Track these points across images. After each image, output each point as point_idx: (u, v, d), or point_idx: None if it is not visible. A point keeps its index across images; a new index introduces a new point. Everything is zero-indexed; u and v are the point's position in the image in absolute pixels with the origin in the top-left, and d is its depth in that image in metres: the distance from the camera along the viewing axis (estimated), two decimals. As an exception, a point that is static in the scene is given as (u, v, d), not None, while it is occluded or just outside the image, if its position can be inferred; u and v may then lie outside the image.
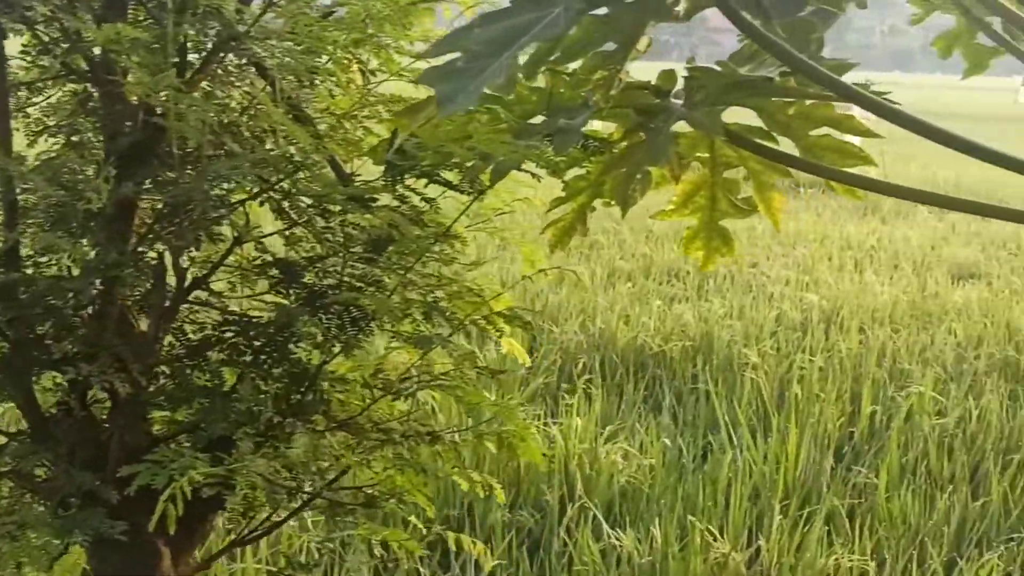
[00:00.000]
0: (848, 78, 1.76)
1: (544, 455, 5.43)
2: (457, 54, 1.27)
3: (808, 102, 1.95)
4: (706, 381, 6.79)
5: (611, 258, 10.08)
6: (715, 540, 4.72)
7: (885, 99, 1.92)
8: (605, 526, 4.84)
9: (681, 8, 1.58)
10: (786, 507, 5.20)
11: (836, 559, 4.67)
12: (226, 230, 2.10)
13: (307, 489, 1.99)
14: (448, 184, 1.99)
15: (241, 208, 2.11)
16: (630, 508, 5.17)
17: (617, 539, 4.74)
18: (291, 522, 2.45)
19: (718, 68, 1.82)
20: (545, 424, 5.83)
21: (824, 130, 2.01)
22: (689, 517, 4.87)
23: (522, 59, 1.67)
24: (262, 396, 1.82)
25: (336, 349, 1.92)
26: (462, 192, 2.00)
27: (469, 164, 1.95)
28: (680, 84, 1.90)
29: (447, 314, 2.03)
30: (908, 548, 4.93)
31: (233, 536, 2.11)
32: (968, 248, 11.65)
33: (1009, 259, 11.29)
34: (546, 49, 1.48)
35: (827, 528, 5.01)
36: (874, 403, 6.55)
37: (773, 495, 5.29)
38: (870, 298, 8.95)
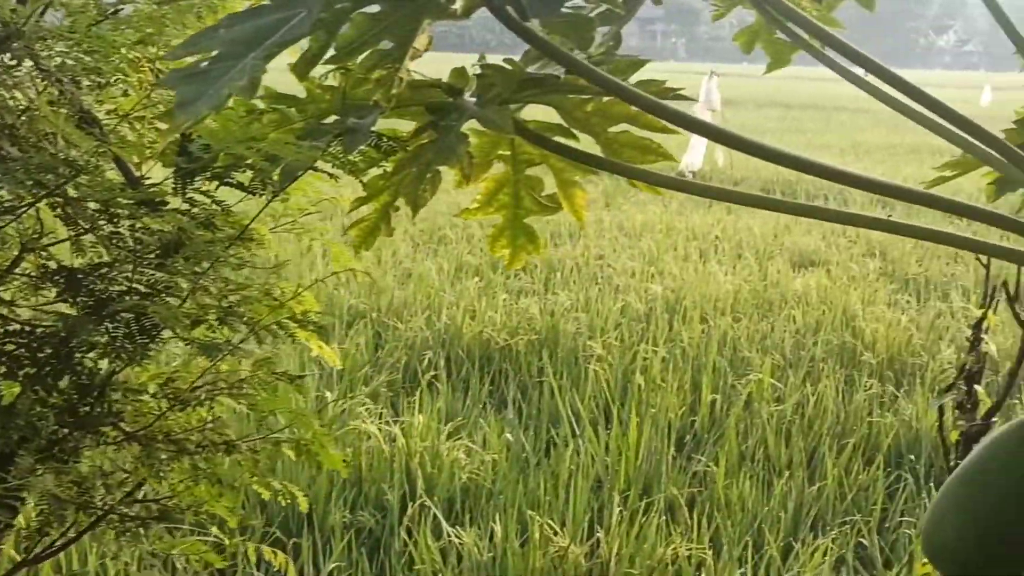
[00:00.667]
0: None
1: (384, 454, 5.40)
2: (214, 53, 1.22)
3: (605, 99, 1.94)
4: (551, 374, 6.81)
5: (459, 253, 10.06)
6: (555, 534, 4.73)
7: (678, 94, 1.92)
8: (445, 524, 4.81)
9: (458, 6, 1.55)
10: (626, 498, 5.24)
11: (674, 548, 4.71)
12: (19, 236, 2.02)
13: (98, 504, 1.92)
14: (240, 186, 1.94)
15: (31, 214, 2.02)
16: (472, 505, 5.15)
17: (457, 537, 4.72)
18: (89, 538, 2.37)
19: (508, 66, 1.80)
20: (387, 423, 5.78)
21: (623, 126, 2.00)
22: (529, 512, 4.87)
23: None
24: (44, 410, 1.74)
25: (125, 358, 1.85)
26: (254, 194, 1.95)
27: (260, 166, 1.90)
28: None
29: (245, 319, 1.98)
30: (745, 534, 5.00)
31: (23, 556, 2.03)
32: (809, 236, 11.90)
33: (848, 246, 11.57)
34: (318, 47, 1.44)
35: (666, 518, 5.05)
36: (714, 392, 6.64)
37: (614, 487, 5.33)
38: (713, 288, 9.07)
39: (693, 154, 16.95)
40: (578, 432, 5.97)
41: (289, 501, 2.24)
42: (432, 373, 6.82)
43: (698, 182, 1.97)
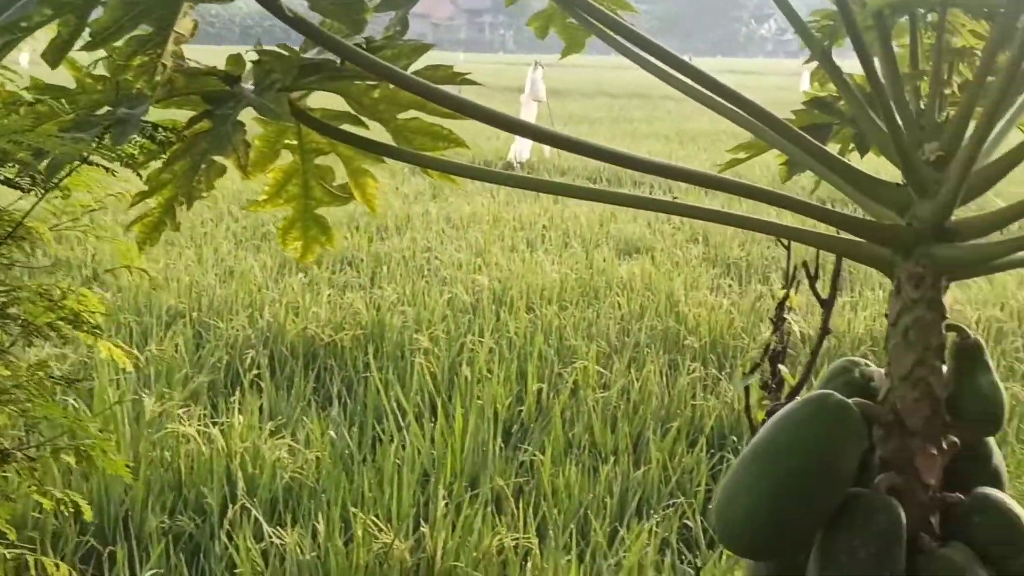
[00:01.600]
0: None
1: (204, 456, 5.27)
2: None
3: (392, 85, 1.89)
4: (377, 369, 6.74)
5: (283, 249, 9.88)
6: (380, 530, 4.67)
7: (466, 78, 1.88)
8: (266, 526, 4.71)
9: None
10: (452, 491, 5.21)
11: (500, 539, 4.69)
12: None
13: None
14: (8, 182, 1.84)
15: None
16: (295, 505, 5.06)
17: (279, 538, 4.62)
18: None
19: (285, 52, 1.74)
20: (206, 424, 5.64)
21: (412, 113, 1.96)
22: (352, 509, 4.80)
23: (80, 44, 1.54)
24: None
25: None
26: (22, 189, 1.85)
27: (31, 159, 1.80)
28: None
29: (19, 320, 1.88)
30: (571, 522, 5.02)
31: None
32: (634, 224, 12.04)
33: (672, 233, 11.73)
34: (68, 33, 1.36)
35: (492, 509, 5.04)
36: (541, 381, 6.65)
37: (440, 480, 5.29)
38: (540, 277, 9.11)
39: (521, 144, 17.01)
40: (403, 426, 5.92)
41: (72, 511, 2.14)
42: (255, 372, 6.68)
43: (500, 171, 1.94)
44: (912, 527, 1.66)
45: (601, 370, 6.94)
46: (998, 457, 1.79)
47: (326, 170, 2.11)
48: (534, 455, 5.67)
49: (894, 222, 1.69)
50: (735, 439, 6.15)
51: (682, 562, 4.85)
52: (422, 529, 4.69)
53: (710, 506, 5.46)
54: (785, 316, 2.94)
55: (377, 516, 4.82)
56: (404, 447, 5.59)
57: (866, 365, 1.80)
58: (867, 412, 1.68)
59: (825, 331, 2.84)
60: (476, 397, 6.27)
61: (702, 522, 5.15)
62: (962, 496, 1.70)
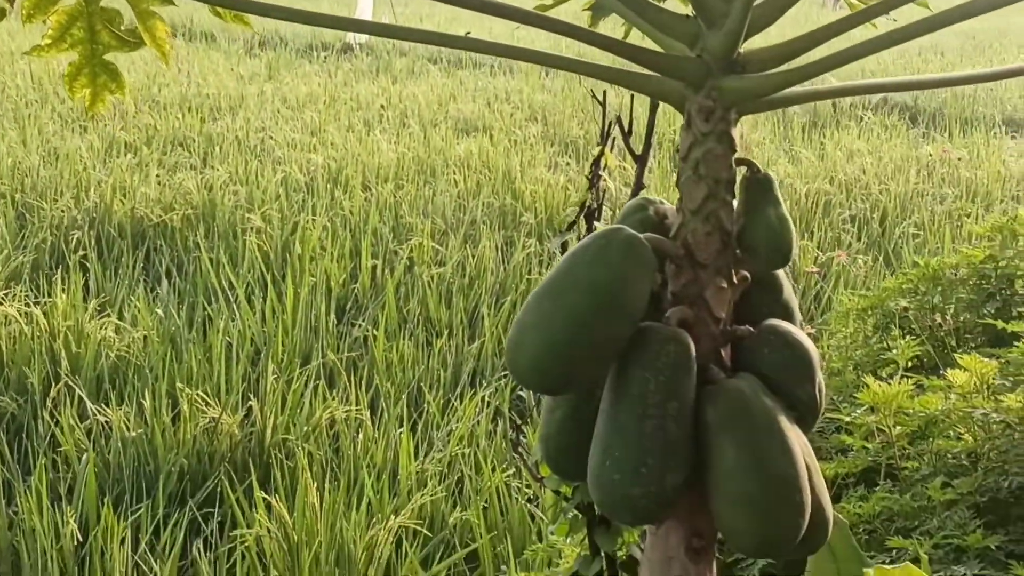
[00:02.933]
0: None
1: (26, 336, 5.13)
2: None
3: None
4: (208, 249, 6.62)
5: (112, 130, 9.59)
6: (208, 406, 4.61)
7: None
8: (90, 404, 4.61)
9: None
10: (285, 367, 5.17)
11: (331, 412, 4.67)
12: None
13: None
14: None
15: None
16: (121, 383, 4.96)
17: (103, 415, 4.53)
18: None
19: None
20: (27, 304, 5.48)
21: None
22: (180, 385, 4.73)
23: None
24: None
25: None
26: None
27: None
28: None
29: None
30: (403, 394, 5.02)
31: None
32: (473, 104, 11.97)
33: (511, 112, 11.70)
34: None
35: (324, 383, 5.01)
36: (375, 257, 6.61)
37: (271, 356, 5.23)
38: (376, 157, 9.00)
39: (361, 14, 16.70)
40: (235, 304, 5.83)
41: None
42: (81, 253, 6.50)
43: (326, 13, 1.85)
44: (703, 359, 1.67)
45: (437, 247, 6.92)
46: (789, 290, 1.81)
47: (112, 13, 2.01)
48: (368, 330, 5.65)
49: (685, 55, 1.67)
50: (569, 311, 6.19)
51: (513, 430, 4.90)
52: (250, 403, 4.64)
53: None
54: (600, 173, 2.94)
55: (206, 392, 4.76)
56: (235, 323, 5.51)
57: (660, 203, 1.80)
58: (658, 246, 1.68)
59: (639, 186, 2.85)
60: (309, 274, 6.20)
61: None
62: (752, 328, 1.72)
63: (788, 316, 1.80)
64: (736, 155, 1.72)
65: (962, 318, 3.70)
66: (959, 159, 9.14)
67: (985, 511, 2.54)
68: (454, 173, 8.64)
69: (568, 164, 9.44)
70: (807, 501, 1.63)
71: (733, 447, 1.61)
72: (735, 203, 1.71)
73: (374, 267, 6.47)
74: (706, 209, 1.68)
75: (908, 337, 3.69)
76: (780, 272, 1.80)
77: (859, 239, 7.53)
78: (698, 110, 1.68)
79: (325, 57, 15.51)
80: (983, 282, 3.70)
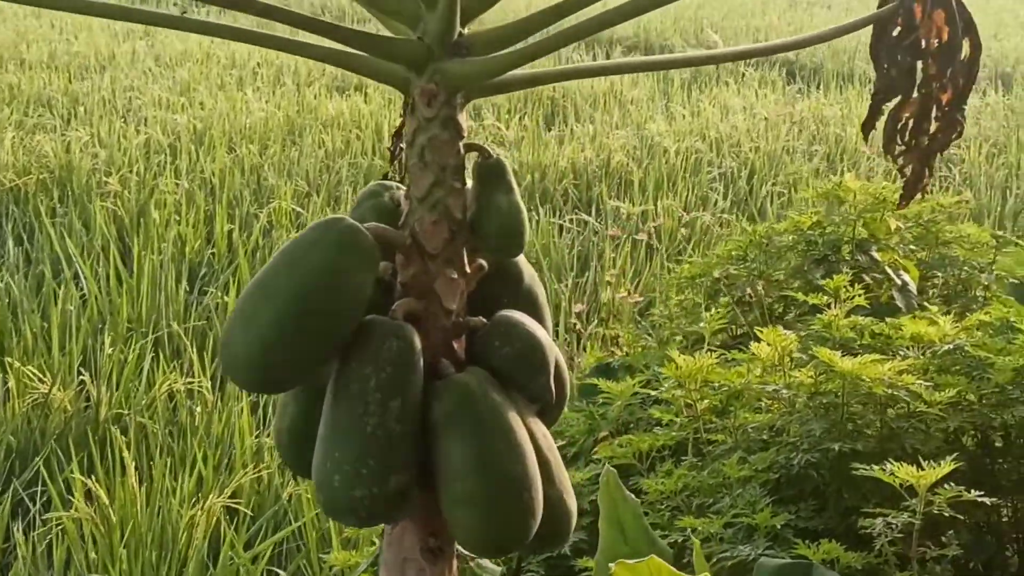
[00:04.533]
0: None
1: None
2: None
3: None
4: (63, 214, 6.43)
5: (-30, 90, 9.30)
6: (41, 381, 4.47)
7: None
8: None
9: None
10: (128, 339, 5.04)
11: (170, 384, 4.56)
12: None
13: None
14: None
15: None
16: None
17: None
18: None
19: None
20: None
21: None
22: (8, 359, 4.58)
23: None
24: None
25: None
26: None
27: None
28: None
29: None
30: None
31: None
32: (353, 61, 11.76)
33: (390, 70, 11.51)
34: None
35: (166, 354, 4.89)
36: (231, 222, 6.47)
37: (111, 327, 5.10)
38: (244, 116, 8.83)
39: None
40: (82, 273, 5.67)
41: None
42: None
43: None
44: (433, 352, 1.62)
45: (298, 209, 6.80)
46: (531, 278, 1.76)
47: None
48: (220, 298, 5.53)
49: (408, 37, 1.61)
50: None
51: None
52: (83, 377, 4.51)
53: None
54: (402, 145, 2.85)
55: (44, 367, 4.62)
56: (81, 292, 5.36)
57: (397, 188, 1.73)
58: (384, 236, 1.62)
59: (476, 149, 2.77)
60: (163, 240, 6.05)
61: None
62: (485, 320, 1.67)
63: (530, 305, 1.75)
64: (465, 140, 1.66)
65: (795, 284, 3.69)
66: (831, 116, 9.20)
67: (782, 488, 2.53)
68: (320, 133, 8.49)
69: (443, 123, 9.30)
70: (537, 499, 1.59)
71: (458, 445, 1.57)
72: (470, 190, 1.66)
73: (230, 232, 6.34)
74: (433, 197, 1.63)
75: (739, 305, 3.69)
76: (521, 260, 1.75)
77: (725, 198, 7.53)
78: (421, 94, 1.62)
79: (207, 12, 15.17)
80: (810, 248, 3.69)
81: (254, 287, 1.55)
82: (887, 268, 3.64)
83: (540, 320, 1.74)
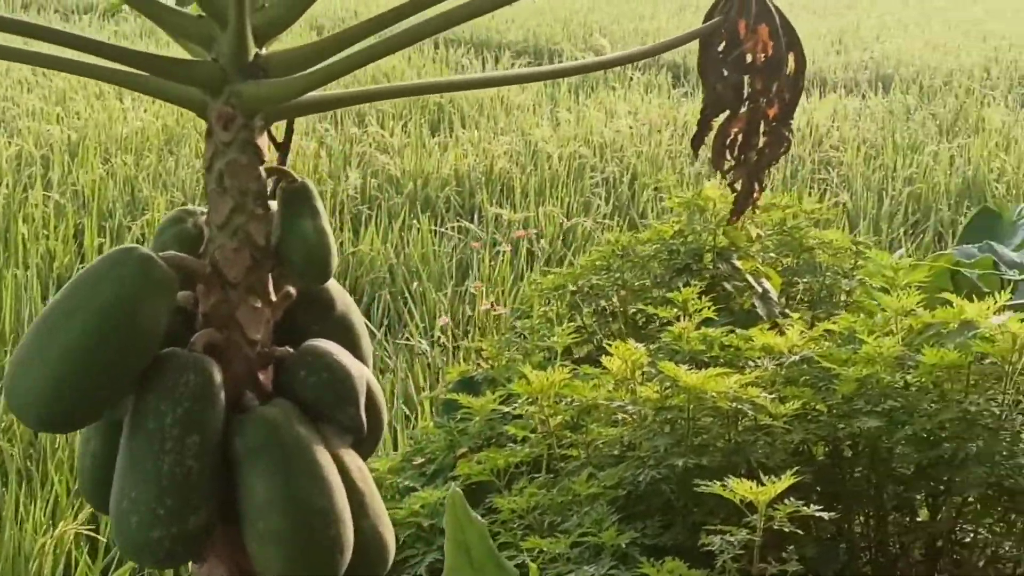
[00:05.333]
0: None
1: None
2: None
3: None
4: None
5: None
6: None
7: None
8: None
9: None
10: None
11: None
12: None
13: None
14: None
15: None
16: None
17: None
18: None
19: None
20: None
21: None
22: None
23: None
24: None
25: None
26: None
27: None
28: None
29: None
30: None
31: None
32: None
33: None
34: None
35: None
36: (102, 236, 6.33)
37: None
38: (121, 126, 8.65)
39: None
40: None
41: None
42: None
43: None
44: (236, 385, 1.56)
45: (174, 220, 6.65)
46: (345, 305, 1.72)
47: None
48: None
49: (204, 58, 1.55)
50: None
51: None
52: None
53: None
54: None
55: None
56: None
57: (201, 214, 1.67)
58: (183, 265, 1.56)
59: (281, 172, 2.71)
60: (29, 255, 5.89)
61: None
62: (292, 350, 1.62)
63: (344, 332, 1.71)
64: (267, 164, 1.61)
65: (657, 294, 3.67)
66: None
67: (631, 504, 2.51)
68: (199, 142, 8.34)
69: (327, 131, 9.22)
70: (345, 534, 1.55)
71: (261, 481, 1.52)
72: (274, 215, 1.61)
73: (101, 245, 6.19)
74: (233, 223, 1.57)
75: (604, 316, 3.67)
76: (332, 286, 1.70)
77: (608, 203, 7.54)
78: (217, 118, 1.56)
79: (90, 20, 14.92)
80: (672, 258, 3.69)
81: (42, 322, 1.49)
82: (748, 276, 3.65)
83: (354, 348, 1.70)
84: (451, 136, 9.12)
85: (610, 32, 15.32)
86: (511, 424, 2.86)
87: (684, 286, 3.65)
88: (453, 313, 5.44)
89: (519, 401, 2.85)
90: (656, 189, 7.82)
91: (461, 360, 4.77)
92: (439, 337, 5.17)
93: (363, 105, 9.76)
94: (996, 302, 2.57)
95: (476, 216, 7.21)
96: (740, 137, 2.05)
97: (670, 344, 2.80)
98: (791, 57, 2.03)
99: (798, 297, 4.05)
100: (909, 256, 6.47)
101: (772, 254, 3.86)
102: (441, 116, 9.86)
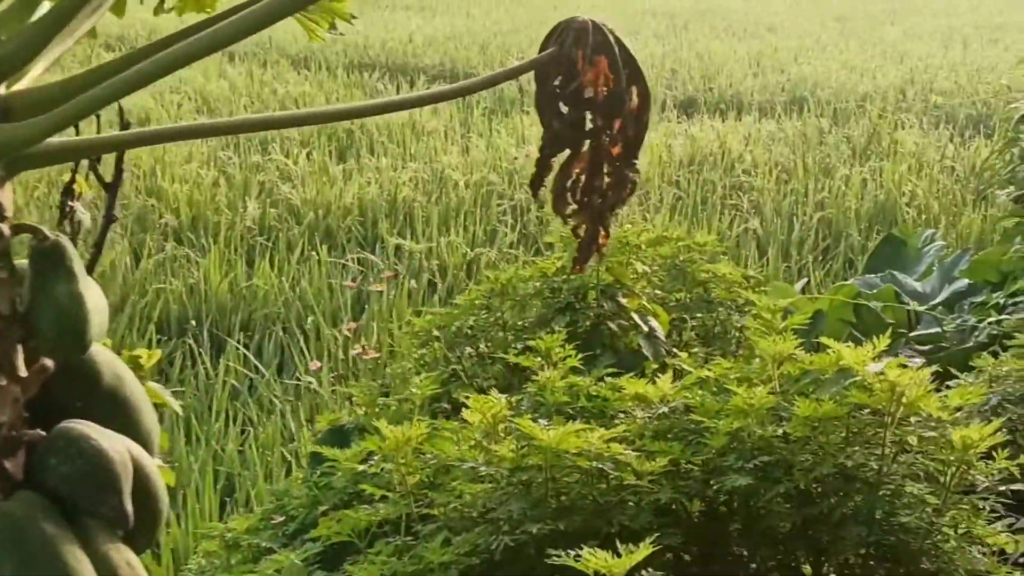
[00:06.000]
0: None
1: None
2: None
3: None
4: None
5: None
6: None
7: None
8: None
9: None
10: None
11: None
12: None
13: None
14: None
15: None
16: None
17: None
18: None
19: None
20: None
21: None
22: None
23: None
24: None
25: None
26: None
27: None
28: None
29: None
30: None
31: None
32: (140, 95, 11.35)
33: (180, 102, 11.12)
34: None
35: None
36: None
37: None
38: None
39: None
40: None
41: None
42: None
43: None
44: (-19, 475, 1.36)
45: None
46: (116, 376, 1.52)
47: None
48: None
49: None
50: (196, 323, 5.82)
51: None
52: None
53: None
54: (72, 203, 2.57)
55: None
56: None
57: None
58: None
59: (109, 219, 2.50)
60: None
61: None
62: (44, 433, 1.42)
63: (115, 408, 1.51)
64: (13, 220, 1.41)
65: (538, 335, 3.48)
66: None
67: (487, 574, 2.31)
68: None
69: (230, 159, 8.96)
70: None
71: (1, 585, 1.32)
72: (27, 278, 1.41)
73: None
74: (-23, 291, 1.37)
75: (484, 358, 3.48)
76: (99, 354, 1.50)
77: (514, 231, 7.37)
78: (-47, 168, 1.36)
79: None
80: (555, 296, 3.51)
81: None
82: (634, 315, 3.48)
83: (128, 425, 1.51)
84: (359, 163, 8.91)
85: (527, 55, 15.16)
86: (367, 482, 2.66)
87: (567, 325, 3.48)
88: (348, 350, 5.23)
89: (375, 458, 2.64)
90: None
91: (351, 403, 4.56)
92: (310, 384, 4.95)
93: (273, 132, 9.53)
94: (875, 347, 2.41)
95: (378, 247, 7.01)
96: (583, 179, 1.88)
97: (534, 395, 2.61)
98: (634, 91, 1.86)
99: (690, 334, 3.89)
100: (818, 284, 6.37)
101: (658, 291, 3.70)
102: (350, 142, 9.65)
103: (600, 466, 2.25)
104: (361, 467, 2.66)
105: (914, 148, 9.34)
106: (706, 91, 12.64)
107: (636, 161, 1.91)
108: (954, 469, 2.33)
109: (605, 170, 1.88)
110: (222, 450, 4.59)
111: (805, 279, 6.05)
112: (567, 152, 1.90)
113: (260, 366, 5.36)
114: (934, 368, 3.78)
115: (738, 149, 9.20)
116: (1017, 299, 4.41)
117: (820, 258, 7.07)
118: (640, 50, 15.79)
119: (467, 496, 2.49)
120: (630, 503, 2.31)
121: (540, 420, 2.40)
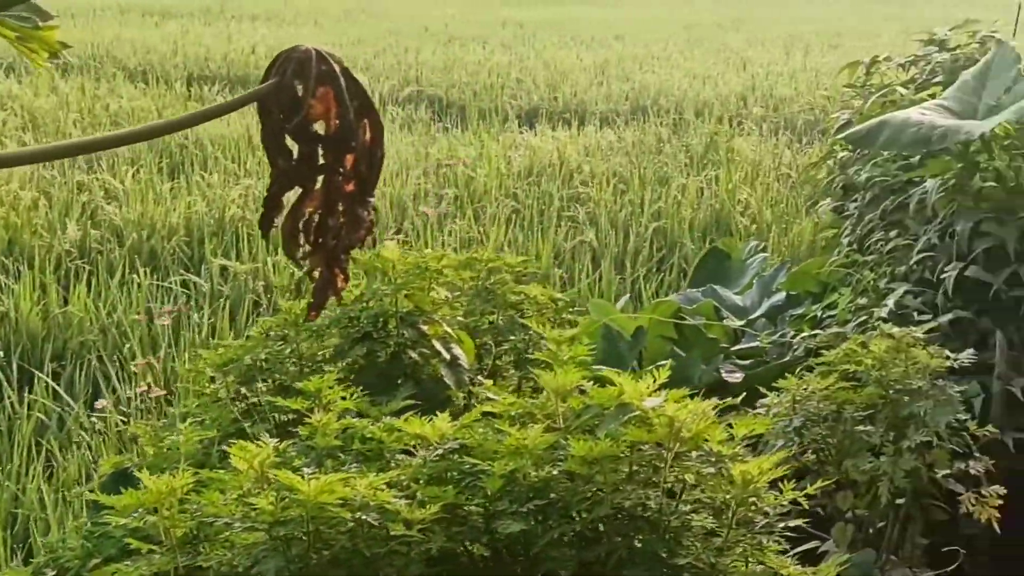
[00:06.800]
0: None
1: None
2: None
3: None
4: None
5: None
6: None
7: None
8: None
9: None
10: None
11: None
12: None
13: None
14: None
15: None
16: None
17: None
18: None
19: None
20: None
21: None
22: None
23: None
24: None
25: None
26: None
27: None
28: None
29: None
30: None
31: None
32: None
33: (5, 118, 10.69)
34: None
35: None
36: None
37: None
38: None
39: None
40: None
41: None
42: None
43: None
44: None
45: None
46: None
47: None
48: None
49: None
50: (3, 354, 5.54)
51: None
52: None
53: None
54: None
55: None
56: None
57: None
58: None
59: None
60: None
61: None
62: None
63: None
64: None
65: (340, 365, 3.34)
66: (463, 160, 8.99)
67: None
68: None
69: (55, 178, 8.61)
70: None
71: None
72: None
73: None
74: None
75: (284, 393, 3.32)
76: None
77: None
78: None
79: None
80: (352, 325, 3.37)
81: None
82: (435, 342, 3.36)
83: None
84: (191, 180, 8.64)
85: (374, 67, 14.96)
86: (130, 536, 2.49)
87: (365, 355, 3.35)
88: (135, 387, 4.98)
89: (137, 510, 2.48)
90: (398, 232, 7.53)
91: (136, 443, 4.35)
92: (94, 424, 4.73)
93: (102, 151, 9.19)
94: (656, 380, 2.32)
95: (203, 269, 6.78)
96: (317, 218, 1.75)
97: (305, 440, 2.47)
98: (365, 125, 1.74)
99: (503, 359, 3.79)
100: (651, 296, 6.31)
101: (461, 316, 3.59)
102: (183, 158, 9.37)
103: (364, 516, 2.12)
104: (124, 520, 2.50)
105: (751, 155, 9.39)
106: (550, 100, 12.60)
107: (371, 199, 1.79)
108: (734, 505, 2.25)
109: (340, 209, 1.76)
110: (22, 491, 4.35)
111: (627, 295, 5.98)
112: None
113: (70, 399, 5.10)
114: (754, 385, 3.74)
115: (577, 160, 9.15)
116: (833, 312, 4.39)
117: (655, 269, 7.03)
118: (486, 60, 15.77)
119: (238, 547, 2.34)
120: (400, 553, 2.18)
121: (309, 467, 2.27)
